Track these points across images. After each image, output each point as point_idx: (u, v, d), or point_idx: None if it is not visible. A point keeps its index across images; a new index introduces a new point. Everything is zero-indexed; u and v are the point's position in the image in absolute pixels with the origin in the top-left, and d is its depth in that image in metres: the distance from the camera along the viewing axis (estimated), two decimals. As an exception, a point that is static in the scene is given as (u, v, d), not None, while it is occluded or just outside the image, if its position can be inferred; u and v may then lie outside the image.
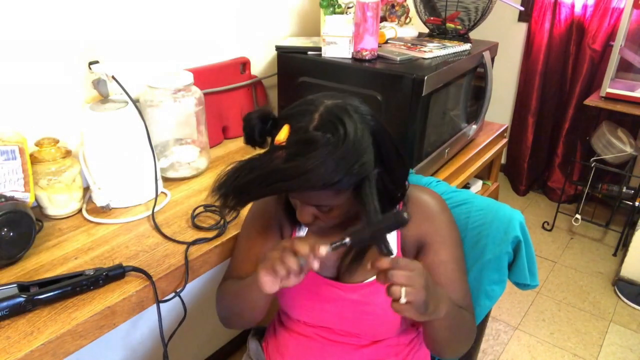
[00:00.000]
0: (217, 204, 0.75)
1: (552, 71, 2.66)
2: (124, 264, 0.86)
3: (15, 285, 0.78)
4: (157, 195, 1.08)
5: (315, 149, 0.68)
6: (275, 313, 1.05)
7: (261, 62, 1.53)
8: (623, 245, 2.38)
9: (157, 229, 1.00)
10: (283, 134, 0.72)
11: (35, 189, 0.97)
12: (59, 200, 1.01)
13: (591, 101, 2.19)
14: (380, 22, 1.51)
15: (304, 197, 0.77)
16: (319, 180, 0.68)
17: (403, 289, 0.66)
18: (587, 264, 2.34)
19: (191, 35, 1.31)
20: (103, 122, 1.02)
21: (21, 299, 0.75)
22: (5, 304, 0.74)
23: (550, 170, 2.85)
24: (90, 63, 1.07)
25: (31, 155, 0.96)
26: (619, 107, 2.12)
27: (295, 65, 1.38)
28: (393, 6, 1.63)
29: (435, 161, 1.43)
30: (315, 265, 0.69)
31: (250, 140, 0.79)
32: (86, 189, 1.08)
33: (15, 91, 1.01)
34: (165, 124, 1.19)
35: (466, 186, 1.77)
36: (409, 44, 1.44)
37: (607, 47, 2.40)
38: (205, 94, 1.26)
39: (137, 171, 1.06)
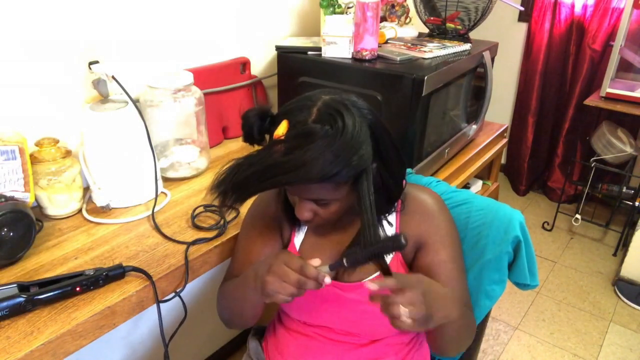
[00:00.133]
0: (216, 202, 0.75)
1: (552, 71, 2.66)
2: (124, 264, 0.86)
3: (15, 285, 0.78)
4: (157, 195, 1.08)
5: (314, 141, 0.68)
6: (275, 312, 1.05)
7: (261, 62, 1.53)
8: (623, 245, 2.38)
9: (157, 229, 1.00)
10: (282, 129, 0.72)
11: (35, 189, 0.97)
12: (59, 200, 1.01)
13: (591, 101, 2.19)
14: (380, 22, 1.51)
15: (303, 191, 0.77)
16: (317, 172, 0.68)
17: (402, 308, 0.66)
18: (587, 264, 2.34)
19: (191, 35, 1.31)
20: (103, 122, 1.02)
21: (21, 299, 0.75)
22: (5, 304, 0.74)
23: (550, 170, 2.85)
24: (90, 63, 1.07)
25: (31, 155, 0.96)
26: (619, 107, 2.12)
27: (295, 65, 1.38)
28: (393, 6, 1.63)
29: (435, 161, 1.43)
30: (312, 286, 0.71)
31: (249, 138, 0.80)
32: (86, 189, 1.08)
33: (15, 91, 1.01)
34: (165, 124, 1.19)
35: (466, 186, 1.77)
36: (409, 44, 1.44)
37: (607, 47, 2.40)
38: (205, 94, 1.26)
39: (137, 171, 1.06)
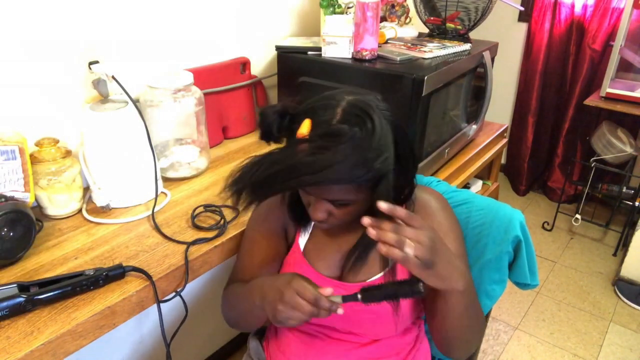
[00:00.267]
0: (229, 201, 0.73)
1: (552, 71, 2.66)
2: (124, 264, 0.86)
3: (15, 285, 0.78)
4: (157, 195, 1.08)
5: (342, 142, 0.67)
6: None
7: (261, 62, 1.53)
8: (623, 245, 2.38)
9: (157, 229, 1.00)
10: (305, 128, 0.71)
11: (35, 189, 0.97)
12: (59, 200, 1.01)
13: (591, 101, 2.19)
14: (380, 22, 1.51)
15: (323, 192, 0.75)
16: (345, 173, 0.67)
17: (407, 241, 0.65)
18: (587, 264, 2.34)
19: (191, 35, 1.31)
20: (103, 122, 1.02)
21: (21, 299, 0.75)
22: (5, 304, 0.74)
23: (550, 170, 2.85)
24: (90, 63, 1.07)
25: (31, 155, 0.96)
26: (619, 107, 2.12)
27: (295, 65, 1.38)
28: (393, 6, 1.63)
29: (435, 161, 1.43)
30: (324, 315, 0.71)
31: (268, 136, 0.78)
32: (86, 189, 1.08)
33: (15, 91, 1.01)
34: (165, 124, 1.19)
35: (466, 186, 1.77)
36: (409, 44, 1.44)
37: (607, 47, 2.40)
38: (205, 94, 1.26)
39: (137, 171, 1.06)
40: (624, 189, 2.36)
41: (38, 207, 1.02)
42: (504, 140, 1.83)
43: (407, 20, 1.65)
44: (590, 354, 1.83)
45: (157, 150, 1.18)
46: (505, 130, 1.82)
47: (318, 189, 0.76)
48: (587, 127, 2.55)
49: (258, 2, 1.45)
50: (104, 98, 1.08)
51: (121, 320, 0.83)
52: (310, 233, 0.92)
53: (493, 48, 1.56)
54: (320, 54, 1.35)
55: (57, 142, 1.00)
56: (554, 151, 2.79)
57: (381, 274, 0.87)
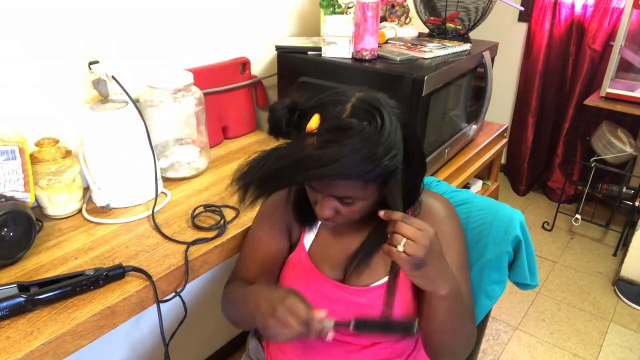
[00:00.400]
0: (231, 200, 0.73)
1: (552, 71, 2.66)
2: (124, 264, 0.86)
3: (15, 285, 0.78)
4: (157, 195, 1.08)
5: (351, 136, 0.67)
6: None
7: (261, 62, 1.53)
8: (623, 245, 2.38)
9: (157, 229, 1.00)
10: (314, 122, 0.71)
11: (35, 189, 0.97)
12: (59, 200, 1.01)
13: (591, 101, 2.19)
14: (380, 22, 1.51)
15: (330, 187, 0.75)
16: (353, 168, 0.67)
17: (404, 240, 0.66)
18: (587, 264, 2.34)
19: (191, 36, 1.31)
20: (103, 122, 1.02)
21: (21, 299, 0.75)
22: (5, 304, 0.74)
23: (550, 170, 2.85)
24: (90, 63, 1.07)
25: (31, 155, 0.96)
26: (619, 107, 2.12)
27: (295, 65, 1.38)
28: (393, 6, 1.63)
29: (435, 161, 1.43)
30: (314, 337, 0.71)
31: (276, 131, 0.77)
32: (86, 189, 1.08)
33: (15, 91, 1.01)
34: (165, 124, 1.19)
35: (466, 186, 1.77)
36: (409, 44, 1.44)
37: (607, 47, 2.40)
38: (205, 94, 1.26)
39: (137, 171, 1.06)
40: (624, 189, 2.36)
41: (38, 207, 1.02)
42: (504, 140, 1.83)
43: (407, 20, 1.65)
44: (590, 354, 1.83)
45: (157, 150, 1.18)
46: (505, 130, 1.82)
47: (325, 185, 0.75)
48: (587, 127, 2.55)
49: (258, 2, 1.45)
50: (104, 98, 1.08)
51: (121, 320, 0.83)
52: (316, 234, 0.92)
53: (493, 48, 1.56)
54: (320, 54, 1.35)
55: (57, 142, 1.00)
56: (554, 151, 2.79)
57: (386, 278, 0.86)
